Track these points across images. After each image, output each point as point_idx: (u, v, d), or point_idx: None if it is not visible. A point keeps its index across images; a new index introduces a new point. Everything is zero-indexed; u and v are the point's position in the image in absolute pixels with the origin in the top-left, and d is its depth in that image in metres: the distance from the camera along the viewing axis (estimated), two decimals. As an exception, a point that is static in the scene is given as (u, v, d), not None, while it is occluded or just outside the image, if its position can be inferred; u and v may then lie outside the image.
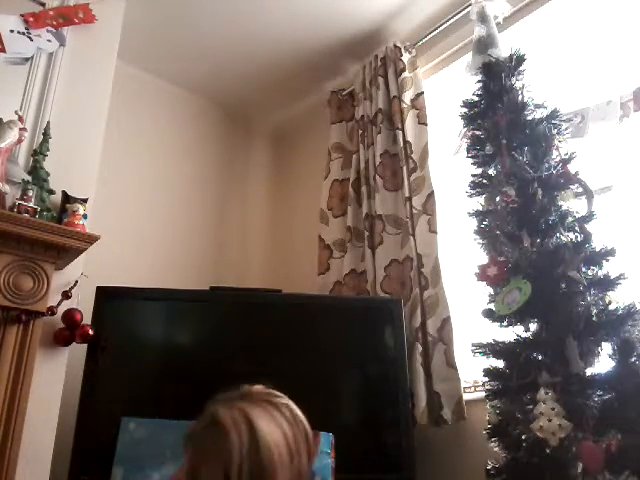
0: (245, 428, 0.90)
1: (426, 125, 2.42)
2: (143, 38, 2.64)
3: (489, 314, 1.67)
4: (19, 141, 1.80)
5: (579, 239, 1.60)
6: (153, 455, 1.49)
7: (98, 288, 1.92)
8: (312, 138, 3.09)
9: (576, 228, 1.62)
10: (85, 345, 1.84)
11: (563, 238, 1.61)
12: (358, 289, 2.41)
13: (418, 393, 2.01)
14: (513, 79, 1.84)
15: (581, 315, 1.50)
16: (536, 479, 1.41)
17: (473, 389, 2.09)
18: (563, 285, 1.55)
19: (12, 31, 1.91)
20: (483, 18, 1.99)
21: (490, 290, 1.70)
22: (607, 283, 1.54)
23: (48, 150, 1.83)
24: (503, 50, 1.91)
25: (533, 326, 1.60)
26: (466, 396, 2.03)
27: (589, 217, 1.63)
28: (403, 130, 2.42)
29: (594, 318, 1.49)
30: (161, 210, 2.77)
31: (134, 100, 2.80)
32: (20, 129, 1.78)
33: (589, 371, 1.47)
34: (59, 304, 1.75)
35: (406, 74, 2.50)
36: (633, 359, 1.43)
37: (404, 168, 2.37)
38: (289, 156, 3.31)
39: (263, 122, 3.31)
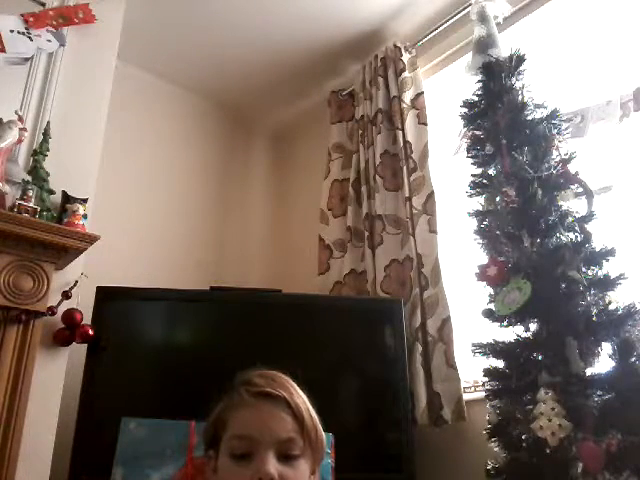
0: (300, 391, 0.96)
1: (426, 125, 2.42)
2: (143, 38, 2.64)
3: (489, 314, 1.67)
4: (19, 141, 1.80)
5: (579, 239, 1.60)
6: (153, 455, 1.49)
7: (98, 288, 1.92)
8: (312, 138, 3.09)
9: (576, 228, 1.62)
10: (85, 345, 1.84)
11: (563, 238, 1.60)
12: (358, 289, 2.41)
13: (418, 393, 2.01)
14: (513, 79, 1.84)
15: (581, 315, 1.50)
16: (536, 479, 1.41)
17: (473, 389, 2.09)
18: (563, 285, 1.55)
19: (12, 31, 1.90)
20: (483, 18, 1.99)
21: (490, 290, 1.69)
22: (607, 283, 1.54)
23: (48, 150, 1.83)
24: (503, 50, 1.91)
25: (533, 326, 1.60)
26: (466, 396, 2.03)
27: (589, 217, 1.63)
28: (403, 130, 2.42)
29: (594, 318, 1.48)
30: (161, 210, 2.77)
31: (134, 100, 2.80)
32: (20, 129, 1.78)
33: (589, 371, 1.47)
34: (59, 304, 1.75)
35: (406, 74, 2.50)
36: (633, 359, 1.43)
37: (404, 168, 2.37)
38: (289, 156, 3.31)
39: (263, 122, 3.31)
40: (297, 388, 0.96)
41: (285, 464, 0.87)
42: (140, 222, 2.66)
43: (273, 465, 0.85)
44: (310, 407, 0.95)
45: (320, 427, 0.95)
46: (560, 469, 1.39)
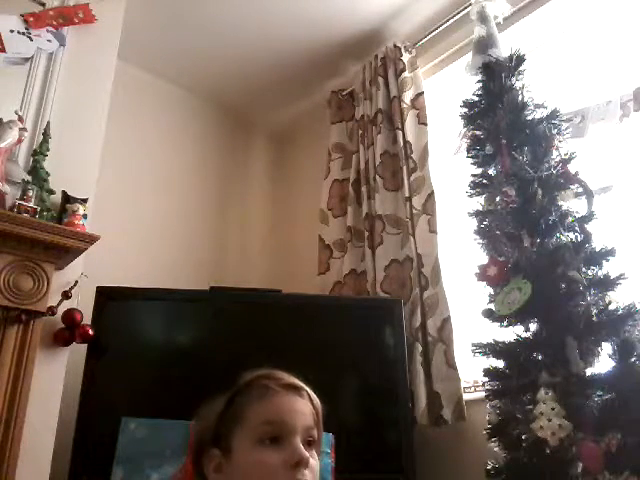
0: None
1: (426, 125, 2.42)
2: (143, 38, 2.64)
3: (489, 314, 1.67)
4: (19, 141, 1.80)
5: (579, 239, 1.60)
6: (153, 455, 1.49)
7: (98, 288, 1.92)
8: (312, 138, 3.09)
9: (576, 228, 1.62)
10: (85, 345, 1.84)
11: (563, 238, 1.60)
12: (358, 289, 2.41)
13: (418, 393, 2.01)
14: (513, 79, 1.84)
15: (581, 315, 1.50)
16: (536, 479, 1.41)
17: (473, 389, 2.09)
18: (563, 285, 1.55)
19: (12, 31, 1.90)
20: (483, 18, 1.99)
21: (490, 290, 1.70)
22: (607, 283, 1.54)
23: (48, 150, 1.83)
24: (503, 50, 1.91)
25: (533, 326, 1.60)
26: (466, 396, 2.03)
27: (589, 217, 1.63)
28: (403, 130, 2.42)
29: (594, 318, 1.48)
30: (161, 210, 2.77)
31: (134, 100, 2.80)
32: (20, 129, 1.78)
33: (589, 371, 1.47)
34: (59, 304, 1.75)
35: (406, 74, 2.50)
36: (633, 359, 1.43)
37: (404, 168, 2.37)
38: (289, 156, 3.31)
39: (263, 122, 3.31)
40: None
41: (308, 451, 0.89)
42: (140, 222, 2.66)
43: (305, 449, 0.88)
44: None
45: None
46: (560, 469, 1.39)
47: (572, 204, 1.66)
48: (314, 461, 0.89)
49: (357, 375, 2.02)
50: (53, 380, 1.74)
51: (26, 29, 1.93)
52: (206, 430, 0.94)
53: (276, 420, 0.89)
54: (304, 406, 0.93)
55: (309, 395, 0.94)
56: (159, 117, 2.92)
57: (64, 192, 1.84)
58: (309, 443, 0.91)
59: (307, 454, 0.87)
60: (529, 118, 1.77)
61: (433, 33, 2.49)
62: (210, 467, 0.92)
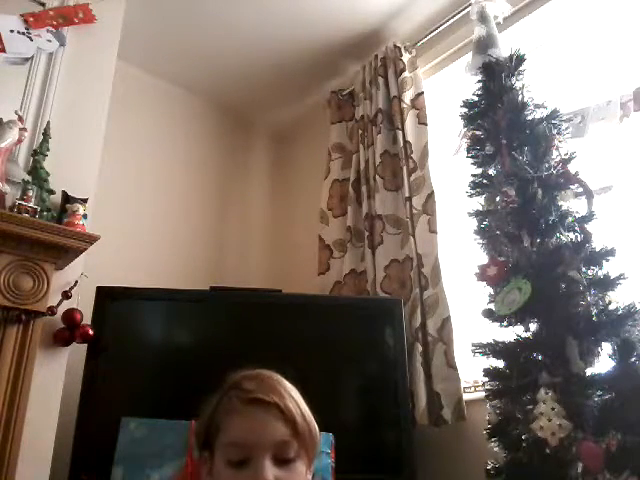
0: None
1: (426, 125, 2.42)
2: (143, 38, 2.64)
3: (489, 314, 1.67)
4: (19, 141, 1.80)
5: (579, 239, 1.60)
6: (153, 455, 1.49)
7: (98, 288, 1.92)
8: (312, 138, 3.09)
9: (576, 228, 1.62)
10: (85, 345, 1.84)
11: (563, 238, 1.60)
12: (358, 289, 2.41)
13: (418, 393, 2.01)
14: (513, 79, 1.84)
15: (581, 315, 1.50)
16: (536, 479, 1.41)
17: (473, 389, 2.09)
18: (563, 285, 1.55)
19: (12, 31, 1.90)
20: (483, 18, 1.99)
21: (490, 290, 1.69)
22: (607, 283, 1.54)
23: (48, 150, 1.83)
24: (503, 50, 1.91)
25: (533, 326, 1.60)
26: (466, 396, 2.03)
27: (589, 217, 1.63)
28: (403, 130, 2.42)
29: (594, 318, 1.48)
30: (161, 210, 2.77)
31: (134, 100, 2.80)
32: (20, 129, 1.78)
33: (589, 371, 1.47)
34: (59, 304, 1.75)
35: (406, 74, 2.50)
36: (633, 359, 1.43)
37: (404, 168, 2.37)
38: (289, 156, 3.31)
39: (263, 122, 3.31)
40: (288, 387, 0.94)
41: (281, 468, 0.87)
42: (140, 222, 2.66)
43: (270, 470, 0.85)
44: (302, 406, 0.93)
45: (314, 424, 0.94)
46: (560, 469, 1.39)
47: (572, 204, 1.66)
48: (286, 475, 0.87)
49: (357, 375, 2.02)
50: (53, 380, 1.75)
51: (26, 29, 1.93)
52: (200, 433, 0.95)
53: (238, 443, 0.87)
54: (272, 423, 0.88)
55: (280, 408, 0.89)
56: (159, 117, 2.92)
57: (64, 192, 1.84)
58: (283, 460, 0.87)
59: (270, 475, 0.84)
60: (529, 118, 1.77)
61: (433, 33, 2.49)
62: (204, 469, 0.93)
